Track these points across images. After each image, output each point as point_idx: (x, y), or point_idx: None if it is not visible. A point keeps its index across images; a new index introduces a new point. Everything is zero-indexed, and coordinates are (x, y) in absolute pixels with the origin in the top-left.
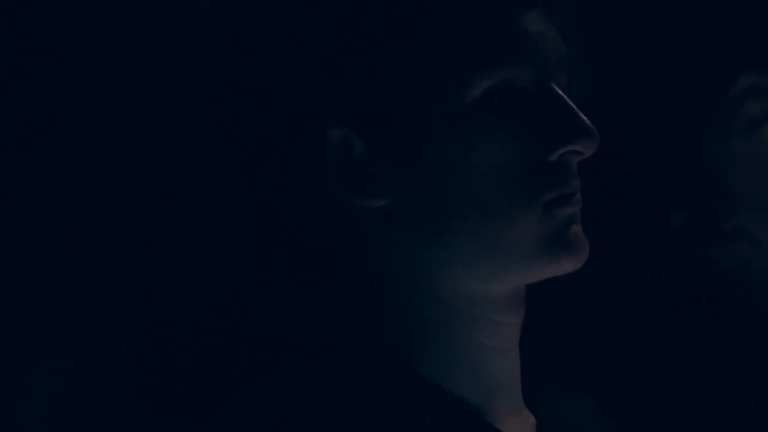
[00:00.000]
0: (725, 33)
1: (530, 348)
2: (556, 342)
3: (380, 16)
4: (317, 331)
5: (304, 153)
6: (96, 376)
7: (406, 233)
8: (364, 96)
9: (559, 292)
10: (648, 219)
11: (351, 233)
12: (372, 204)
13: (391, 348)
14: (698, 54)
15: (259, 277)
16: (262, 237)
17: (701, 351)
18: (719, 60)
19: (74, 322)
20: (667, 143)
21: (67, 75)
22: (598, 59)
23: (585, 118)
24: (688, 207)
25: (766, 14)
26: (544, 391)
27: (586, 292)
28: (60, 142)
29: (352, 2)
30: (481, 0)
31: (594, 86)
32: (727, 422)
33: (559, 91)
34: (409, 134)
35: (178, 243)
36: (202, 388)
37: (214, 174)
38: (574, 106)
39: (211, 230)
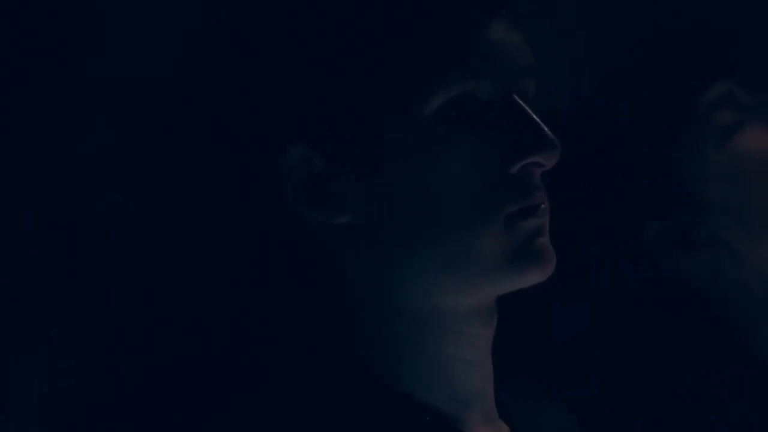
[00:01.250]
0: (697, 42)
1: (503, 358)
2: (528, 352)
3: (336, 34)
4: (288, 344)
5: (268, 171)
6: (95, 379)
7: (371, 248)
8: (322, 113)
9: (532, 302)
10: (622, 229)
11: (316, 249)
12: (334, 220)
13: (362, 360)
14: (670, 63)
15: (227, 293)
16: (232, 253)
17: (675, 361)
18: (691, 69)
19: (74, 326)
20: (641, 153)
21: (64, 79)
22: (570, 70)
23: (546, 129)
24: (663, 217)
25: (737, 22)
26: (517, 400)
27: (561, 302)
28: (58, 148)
29: (310, 23)
30: (438, 12)
31: (565, 97)
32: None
33: (521, 102)
34: (368, 150)
35: (157, 255)
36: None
37: (188, 187)
38: (536, 118)
39: (185, 240)
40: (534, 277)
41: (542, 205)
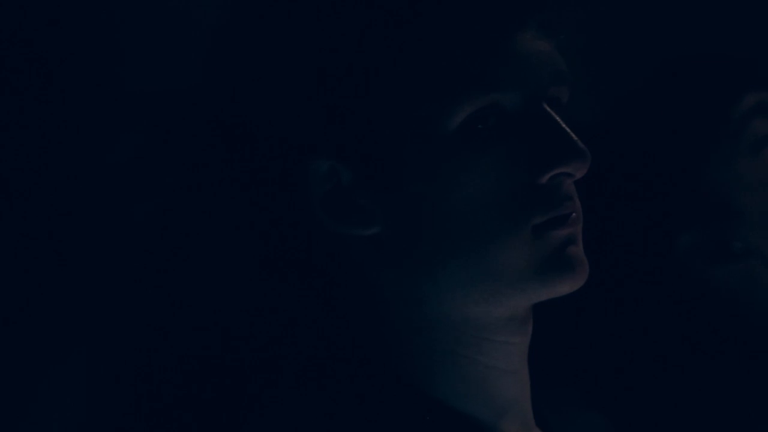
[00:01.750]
0: (730, 52)
1: (540, 365)
2: (566, 360)
3: (360, 48)
4: (323, 356)
5: (295, 184)
6: (106, 395)
7: (399, 260)
8: (348, 127)
9: (569, 312)
10: (656, 240)
11: (345, 261)
12: (362, 233)
13: (398, 372)
14: (703, 74)
15: (256, 304)
16: (260, 267)
17: (711, 370)
18: (724, 79)
19: (85, 339)
20: (674, 163)
21: (76, 93)
22: (604, 80)
23: (575, 139)
24: (697, 228)
25: None
26: (554, 408)
27: (597, 312)
28: (93, 158)
29: (335, 36)
30: (462, 25)
31: (600, 108)
32: None
33: (549, 111)
34: (394, 164)
35: (180, 269)
36: (205, 417)
37: (212, 199)
38: (565, 127)
39: (204, 256)
40: (564, 287)
41: (573, 214)
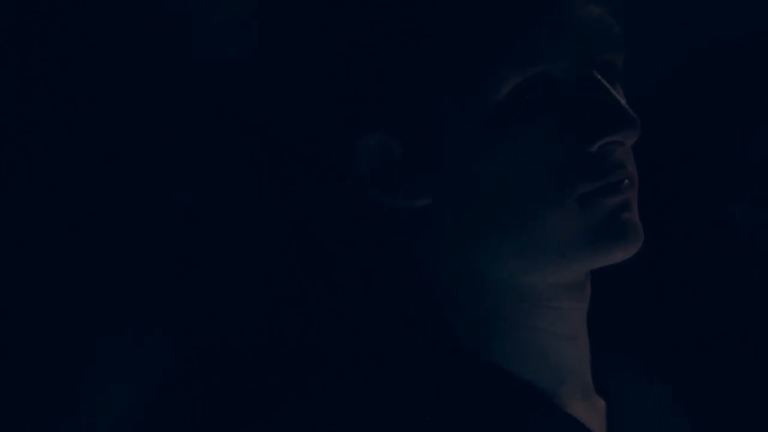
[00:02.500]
0: None
1: (600, 333)
2: (626, 327)
3: (409, 19)
4: (381, 324)
5: (346, 157)
6: (155, 378)
7: (451, 231)
8: (398, 99)
9: (630, 278)
10: (709, 210)
11: (396, 234)
12: (412, 204)
13: (457, 337)
14: (752, 48)
15: (314, 278)
16: (308, 244)
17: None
18: None
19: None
20: (726, 136)
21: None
22: (659, 56)
23: (625, 107)
24: (749, 198)
25: None
26: (614, 375)
27: (656, 280)
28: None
29: (383, 11)
30: None
31: (653, 82)
32: None
33: (600, 79)
34: (443, 136)
35: (219, 251)
36: (254, 392)
37: (255, 180)
38: (615, 94)
39: (251, 237)
40: (618, 254)
41: (625, 181)
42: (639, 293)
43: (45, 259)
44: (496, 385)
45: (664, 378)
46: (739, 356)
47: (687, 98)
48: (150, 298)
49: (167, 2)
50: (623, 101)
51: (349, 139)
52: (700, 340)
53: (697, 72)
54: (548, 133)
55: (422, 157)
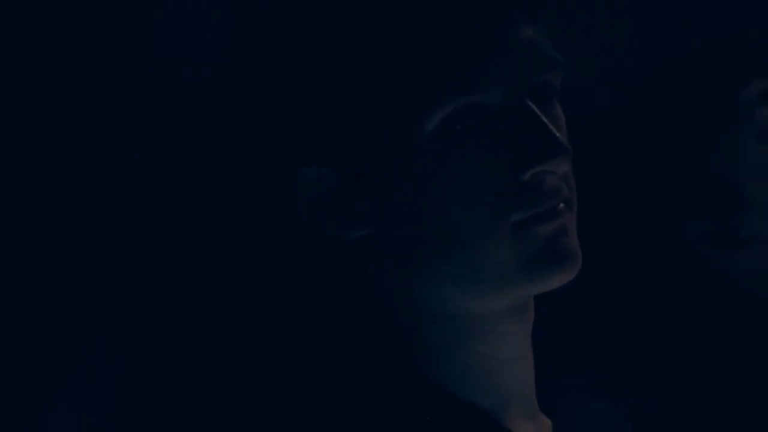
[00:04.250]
0: (735, 40)
1: (544, 352)
2: (571, 347)
3: (341, 55)
4: (327, 351)
5: (283, 190)
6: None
7: (392, 260)
8: (331, 132)
9: (575, 299)
10: (663, 228)
11: (339, 262)
12: (351, 235)
13: (402, 362)
14: (708, 62)
15: (260, 306)
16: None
17: (719, 356)
18: (729, 67)
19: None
20: (681, 152)
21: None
22: (609, 70)
23: (556, 134)
24: (704, 216)
25: None
26: (560, 394)
27: (603, 299)
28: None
29: (315, 46)
30: (437, 26)
31: (605, 97)
32: (744, 426)
33: (530, 106)
34: (378, 166)
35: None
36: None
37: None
38: (547, 122)
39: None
40: (555, 281)
41: (560, 205)
42: (586, 313)
43: (45, 259)
44: (443, 406)
45: (610, 398)
46: (689, 374)
47: (641, 117)
48: (150, 298)
49: (167, 2)
50: (555, 127)
51: (288, 170)
52: (647, 361)
53: (652, 90)
54: (480, 163)
55: (357, 189)
